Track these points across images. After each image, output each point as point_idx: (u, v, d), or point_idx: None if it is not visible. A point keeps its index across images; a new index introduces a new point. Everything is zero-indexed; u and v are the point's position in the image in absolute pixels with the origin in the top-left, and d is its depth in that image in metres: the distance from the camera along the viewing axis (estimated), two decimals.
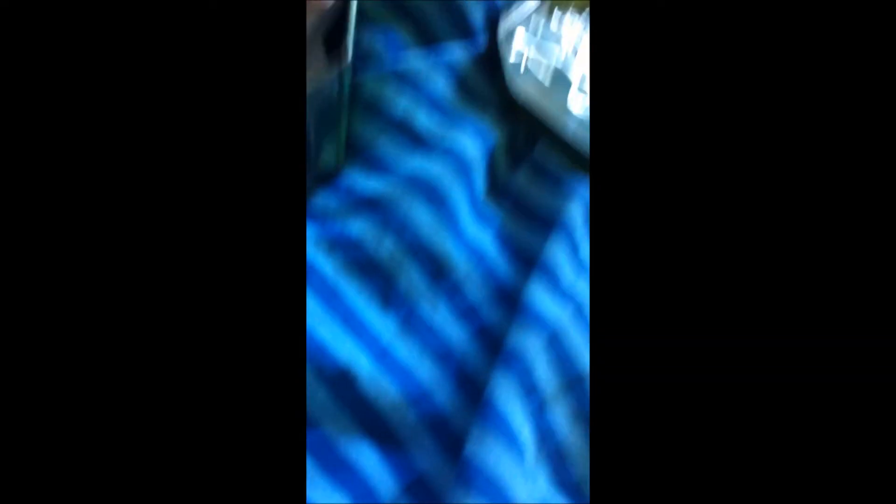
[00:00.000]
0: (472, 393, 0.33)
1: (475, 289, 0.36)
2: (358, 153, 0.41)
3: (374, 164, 0.40)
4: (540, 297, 0.35)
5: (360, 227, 0.36)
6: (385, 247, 0.36)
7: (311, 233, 0.36)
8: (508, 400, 0.32)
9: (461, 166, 0.39)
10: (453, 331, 0.35)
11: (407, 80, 0.42)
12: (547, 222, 0.39)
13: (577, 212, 0.39)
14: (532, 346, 0.33)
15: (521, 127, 0.42)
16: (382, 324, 0.34)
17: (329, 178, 0.40)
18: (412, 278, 0.36)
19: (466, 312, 0.36)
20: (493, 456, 0.30)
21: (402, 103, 0.41)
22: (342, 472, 0.30)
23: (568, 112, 0.42)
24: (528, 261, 0.38)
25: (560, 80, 0.43)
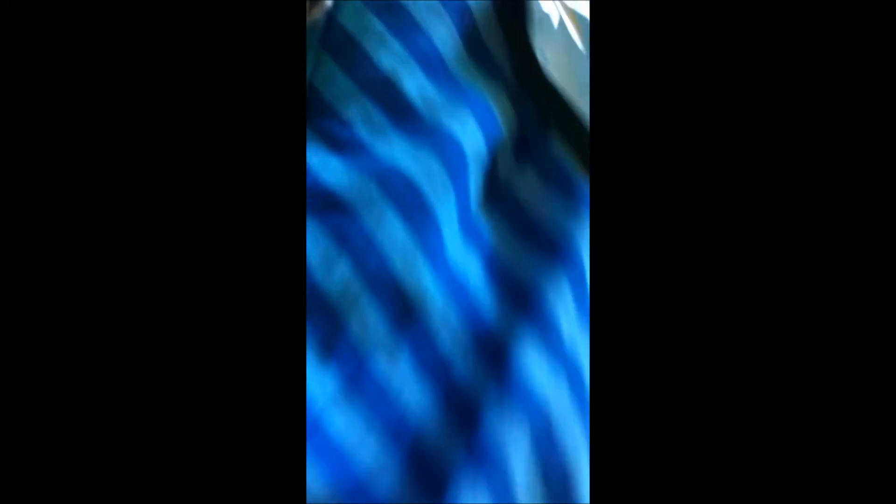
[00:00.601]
0: (429, 481, 0.26)
1: (450, 336, 0.28)
2: (320, 117, 0.30)
3: (340, 140, 0.30)
4: (530, 358, 0.28)
5: (310, 246, 0.27)
6: (338, 273, 0.27)
7: None
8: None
9: (456, 158, 0.29)
10: (412, 393, 0.27)
11: (398, 21, 0.31)
12: (552, 245, 0.30)
13: (587, 235, 0.30)
14: (513, 436, 0.26)
15: (538, 103, 0.32)
16: (319, 381, 0.27)
17: None
18: (368, 320, 0.27)
19: (433, 368, 0.28)
20: None
21: (387, 56, 0.30)
22: None
23: None
24: (520, 298, 0.30)
25: None
